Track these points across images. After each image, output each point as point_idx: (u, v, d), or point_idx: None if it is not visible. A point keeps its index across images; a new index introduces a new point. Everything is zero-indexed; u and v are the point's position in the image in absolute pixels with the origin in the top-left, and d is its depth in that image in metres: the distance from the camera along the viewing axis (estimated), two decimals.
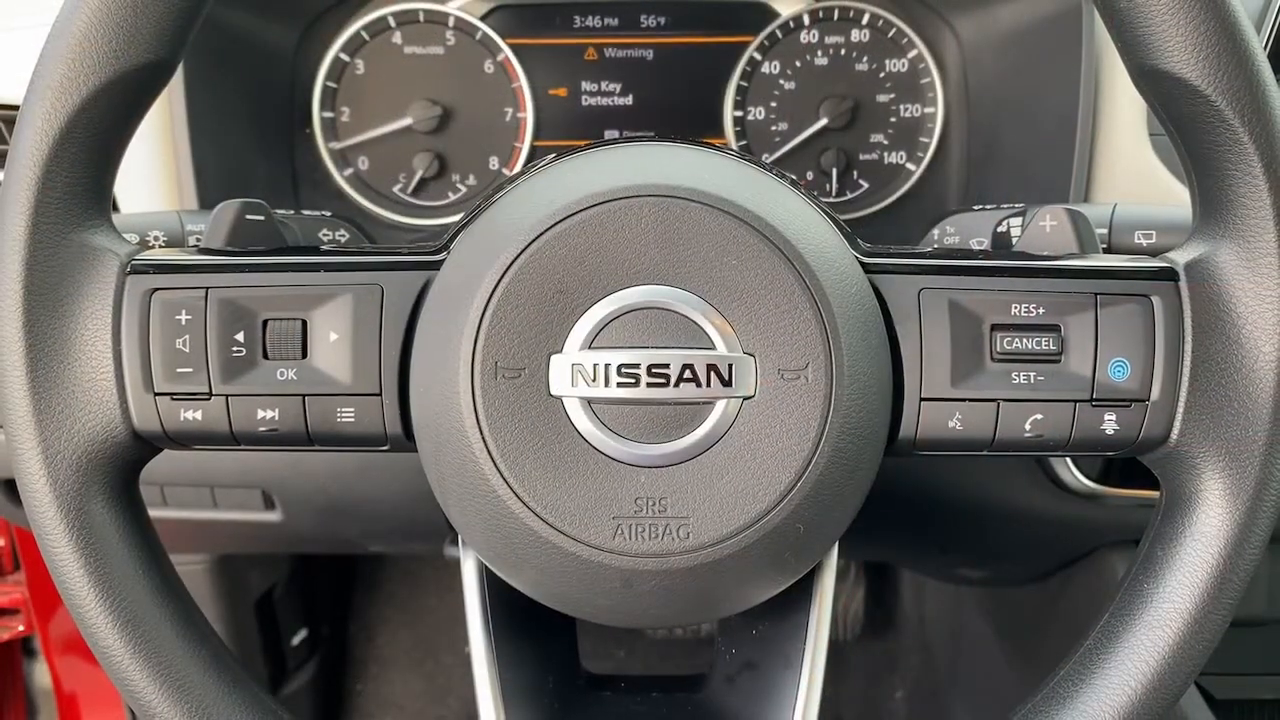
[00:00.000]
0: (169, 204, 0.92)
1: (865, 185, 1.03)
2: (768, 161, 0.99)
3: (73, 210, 0.55)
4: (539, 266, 0.54)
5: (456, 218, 0.62)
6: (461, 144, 1.02)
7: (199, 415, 0.57)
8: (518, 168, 1.03)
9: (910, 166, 1.03)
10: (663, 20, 1.01)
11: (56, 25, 0.54)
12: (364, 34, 1.01)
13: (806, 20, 1.01)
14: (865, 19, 1.01)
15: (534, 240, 0.54)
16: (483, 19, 1.01)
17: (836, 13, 1.01)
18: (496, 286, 0.54)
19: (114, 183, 0.58)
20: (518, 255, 0.54)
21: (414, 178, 1.02)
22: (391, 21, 1.01)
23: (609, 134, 1.02)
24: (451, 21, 1.01)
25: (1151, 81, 0.55)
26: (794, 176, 0.63)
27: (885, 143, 1.03)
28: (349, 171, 1.03)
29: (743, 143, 1.03)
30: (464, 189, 1.03)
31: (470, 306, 0.54)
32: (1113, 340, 0.56)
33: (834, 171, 1.02)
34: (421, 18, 1.01)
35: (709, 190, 0.54)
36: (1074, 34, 0.89)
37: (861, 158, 1.03)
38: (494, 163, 1.03)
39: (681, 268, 0.54)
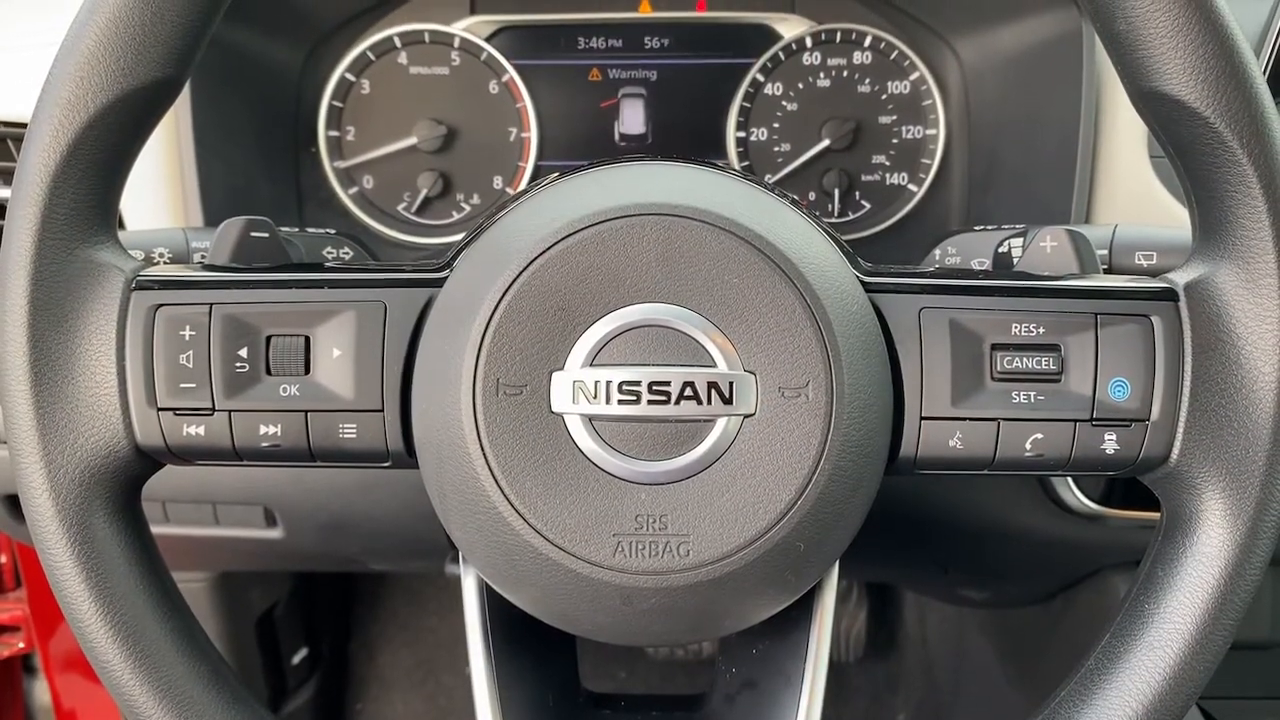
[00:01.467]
0: (174, 221, 0.92)
1: (867, 206, 1.04)
2: (770, 182, 0.99)
3: (79, 226, 0.56)
4: (541, 284, 0.54)
5: (460, 236, 0.62)
6: (466, 163, 1.03)
7: (202, 430, 0.57)
8: (522, 187, 1.03)
9: (912, 187, 1.03)
10: (666, 42, 1.02)
11: (65, 43, 0.54)
12: (370, 54, 1.02)
13: (809, 42, 1.02)
14: (867, 41, 1.02)
15: (536, 258, 0.54)
16: (488, 40, 1.01)
17: (839, 35, 1.02)
18: (498, 304, 0.54)
19: (120, 199, 0.59)
20: (520, 273, 0.54)
21: (418, 197, 1.03)
22: (397, 42, 1.02)
23: (612, 154, 1.03)
24: (457, 42, 1.02)
25: (1151, 104, 0.55)
26: (796, 197, 0.63)
27: (887, 164, 1.03)
28: (354, 190, 1.03)
29: (745, 163, 1.03)
30: (468, 208, 1.04)
31: (472, 324, 0.54)
32: (1113, 360, 0.57)
33: (836, 192, 1.02)
34: (427, 38, 1.02)
35: (711, 209, 0.54)
36: (1075, 56, 0.90)
37: (863, 178, 1.03)
38: (498, 182, 1.03)
39: (683, 286, 0.54)
